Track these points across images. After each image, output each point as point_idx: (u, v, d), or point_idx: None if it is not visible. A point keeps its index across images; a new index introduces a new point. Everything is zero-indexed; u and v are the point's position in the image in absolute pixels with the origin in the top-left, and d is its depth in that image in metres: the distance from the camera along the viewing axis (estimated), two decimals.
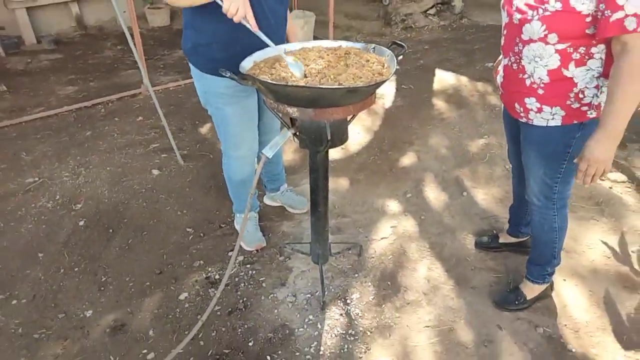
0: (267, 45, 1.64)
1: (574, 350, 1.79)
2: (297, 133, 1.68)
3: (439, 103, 3.74)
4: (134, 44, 2.89)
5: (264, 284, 2.13)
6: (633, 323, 1.88)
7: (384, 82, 1.51)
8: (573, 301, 1.99)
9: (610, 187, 2.65)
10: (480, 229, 2.39)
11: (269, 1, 1.77)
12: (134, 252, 2.34)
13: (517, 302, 1.93)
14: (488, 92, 3.85)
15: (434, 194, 2.69)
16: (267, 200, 2.63)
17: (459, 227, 2.42)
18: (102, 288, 2.14)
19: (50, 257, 2.31)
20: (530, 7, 1.42)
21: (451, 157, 3.02)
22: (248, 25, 1.55)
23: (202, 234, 2.45)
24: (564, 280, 2.09)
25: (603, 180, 1.47)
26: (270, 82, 1.48)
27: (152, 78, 4.13)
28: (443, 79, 4.17)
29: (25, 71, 4.71)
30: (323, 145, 1.68)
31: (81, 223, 2.54)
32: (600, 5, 1.28)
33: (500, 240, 2.25)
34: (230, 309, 2.01)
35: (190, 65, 1.95)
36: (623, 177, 2.73)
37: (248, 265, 2.23)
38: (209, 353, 1.84)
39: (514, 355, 1.77)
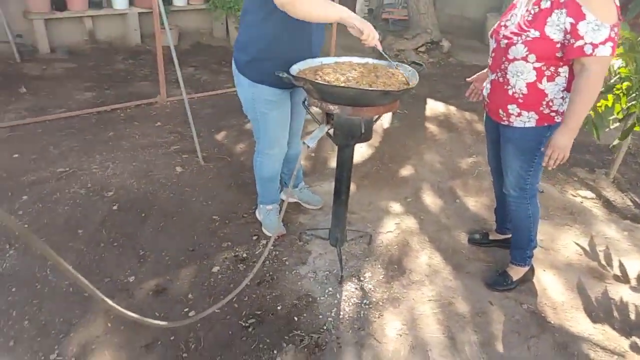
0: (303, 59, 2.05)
1: (552, 322, 2.13)
2: (333, 128, 2.03)
3: (432, 126, 4.18)
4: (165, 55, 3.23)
5: (286, 262, 2.43)
6: (600, 304, 2.25)
7: (410, 89, 1.90)
8: (551, 286, 2.35)
9: (582, 202, 3.08)
10: (472, 229, 2.76)
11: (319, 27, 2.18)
12: (167, 233, 2.61)
13: (505, 284, 2.29)
14: (475, 120, 4.32)
15: (430, 200, 3.06)
16: (283, 196, 2.94)
17: (453, 226, 2.79)
18: (142, 260, 2.39)
19: (89, 234, 2.55)
20: (515, 34, 1.87)
21: (444, 171, 3.42)
22: (378, 49, 1.99)
23: (227, 221, 2.74)
24: (544, 270, 2.45)
25: (561, 165, 1.79)
26: (321, 82, 1.85)
27: (166, 90, 4.45)
28: (434, 107, 4.63)
29: (42, 76, 4.97)
30: (354, 140, 2.03)
31: (114, 207, 2.80)
32: (567, 35, 1.72)
33: (490, 237, 2.62)
34: (259, 281, 2.29)
35: (240, 76, 2.26)
36: (592, 195, 3.17)
37: (271, 248, 2.52)
38: (243, 313, 2.11)
39: (503, 324, 2.11)
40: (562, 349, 2.00)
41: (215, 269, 2.37)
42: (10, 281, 2.20)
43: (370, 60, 2.22)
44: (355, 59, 2.23)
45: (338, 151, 2.15)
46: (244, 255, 2.47)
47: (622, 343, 2.04)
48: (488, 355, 1.96)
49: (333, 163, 3.48)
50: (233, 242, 2.57)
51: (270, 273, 2.35)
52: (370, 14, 7.69)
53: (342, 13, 1.89)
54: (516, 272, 2.31)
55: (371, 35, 1.90)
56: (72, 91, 4.60)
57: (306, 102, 2.26)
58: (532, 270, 2.35)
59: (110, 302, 1.20)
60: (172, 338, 1.97)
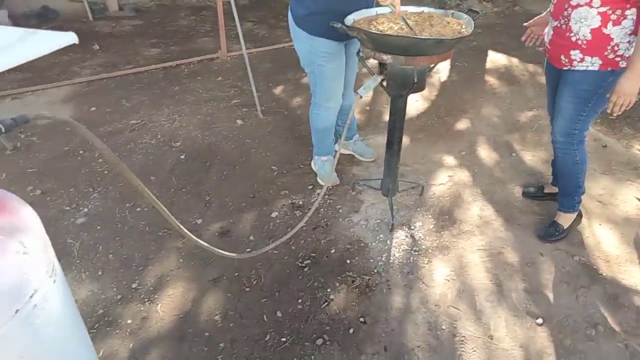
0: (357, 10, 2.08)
1: (604, 274, 2.14)
2: (386, 79, 2.07)
3: (491, 79, 4.06)
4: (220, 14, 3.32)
5: (340, 210, 2.55)
6: None
7: (464, 37, 1.89)
8: (606, 239, 2.33)
9: None
10: (527, 182, 2.74)
11: None
12: (230, 181, 2.80)
13: (557, 233, 2.30)
14: (538, 73, 4.14)
15: (486, 153, 3.04)
16: (338, 148, 3.04)
17: (508, 180, 2.78)
18: (207, 205, 2.60)
19: (161, 180, 2.80)
20: None
21: (502, 125, 3.36)
22: (396, 6, 2.00)
23: (284, 171, 2.89)
24: (600, 224, 2.42)
25: (628, 114, 1.73)
26: (375, 32, 1.88)
27: (226, 46, 4.58)
28: (495, 59, 4.47)
29: (112, 34, 5.26)
30: (407, 90, 2.07)
31: (182, 157, 3.02)
32: None
33: (545, 191, 2.59)
34: (314, 226, 2.44)
35: (297, 30, 2.33)
36: None
37: (326, 196, 2.65)
38: (299, 255, 2.28)
39: (553, 274, 2.14)
40: (612, 300, 2.01)
41: (274, 214, 2.54)
42: (96, 220, 2.48)
43: (425, 9, 2.21)
44: (411, 8, 2.22)
45: (391, 102, 2.20)
46: (300, 202, 2.62)
47: None
48: (535, 302, 2.02)
49: (387, 116, 3.50)
50: (290, 191, 2.72)
51: (325, 219, 2.49)
52: None
53: None
54: (565, 220, 2.31)
55: None
56: (140, 48, 4.85)
57: (360, 53, 2.31)
58: (580, 215, 2.35)
59: (188, 233, 1.38)
60: (236, 274, 2.17)
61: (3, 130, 0.82)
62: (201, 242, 1.52)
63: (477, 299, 2.04)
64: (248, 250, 2.30)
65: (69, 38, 0.77)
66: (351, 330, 1.91)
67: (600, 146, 3.04)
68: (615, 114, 1.89)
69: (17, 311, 0.81)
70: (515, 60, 4.40)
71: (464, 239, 2.36)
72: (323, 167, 2.77)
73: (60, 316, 0.96)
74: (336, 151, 2.93)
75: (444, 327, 1.92)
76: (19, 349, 0.85)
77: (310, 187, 2.75)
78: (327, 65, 2.36)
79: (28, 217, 0.94)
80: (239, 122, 3.44)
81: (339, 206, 2.59)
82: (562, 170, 2.25)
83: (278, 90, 3.96)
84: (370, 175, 2.83)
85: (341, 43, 2.32)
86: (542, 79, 4.00)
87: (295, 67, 4.29)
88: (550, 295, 2.05)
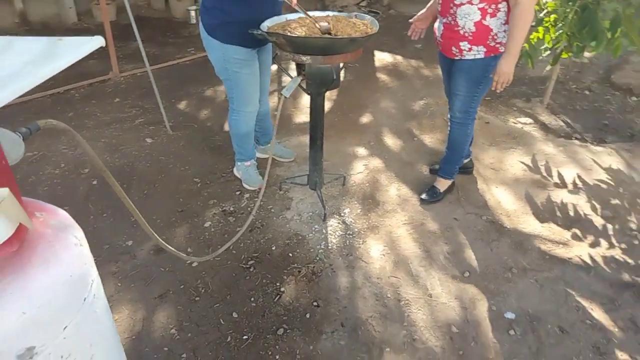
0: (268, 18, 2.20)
1: (508, 227, 2.50)
2: (306, 79, 2.22)
3: (382, 76, 4.43)
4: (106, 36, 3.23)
5: (272, 210, 2.64)
6: (545, 208, 2.64)
7: (373, 34, 2.11)
8: (504, 199, 2.71)
9: (522, 127, 3.46)
10: (431, 161, 3.07)
11: None
12: (153, 199, 2.74)
13: (435, 195, 2.67)
14: (421, 67, 4.61)
15: (391, 141, 3.33)
16: (258, 154, 3.12)
17: (415, 161, 3.09)
18: (134, 225, 2.53)
19: (76, 208, 2.64)
20: None
21: (400, 115, 3.70)
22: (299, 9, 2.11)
23: (208, 182, 2.90)
24: (496, 187, 2.81)
25: (506, 87, 2.10)
26: (294, 35, 2.02)
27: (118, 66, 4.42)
28: (382, 58, 4.87)
29: None
30: (326, 87, 2.24)
31: (94, 182, 2.88)
32: None
33: None
34: (250, 229, 2.50)
35: (209, 38, 2.39)
36: (530, 121, 3.56)
37: (255, 199, 2.72)
38: (242, 257, 2.32)
39: (468, 234, 2.45)
40: (518, 247, 2.37)
41: (207, 224, 2.55)
42: None
43: (330, 13, 2.40)
44: (317, 13, 2.40)
45: (311, 100, 2.35)
46: (231, 209, 2.66)
47: (565, 235, 2.44)
48: (459, 259, 2.29)
49: (297, 119, 3.67)
50: (218, 199, 2.74)
51: (260, 220, 2.56)
52: None
53: None
54: (443, 185, 2.69)
55: None
56: None
57: (275, 57, 2.44)
58: (453, 183, 2.75)
59: (158, 238, 1.37)
60: (181, 287, 2.16)
61: (22, 138, 0.82)
62: (169, 247, 1.52)
63: (411, 266, 2.26)
64: (188, 262, 2.29)
65: (98, 42, 0.78)
66: (307, 315, 2.02)
67: (483, 123, 3.50)
68: (499, 91, 2.24)
69: (84, 299, 0.83)
70: (399, 58, 4.84)
71: (389, 217, 2.59)
72: (247, 171, 2.83)
73: (106, 305, 0.98)
74: (258, 158, 3.04)
75: (389, 295, 2.11)
76: (88, 336, 0.87)
77: (237, 193, 2.79)
78: (242, 71, 2.45)
79: (66, 215, 0.96)
80: (149, 140, 3.36)
81: (270, 206, 2.67)
82: (454, 142, 2.58)
83: (182, 105, 3.93)
84: (292, 174, 2.96)
85: (253, 50, 2.42)
86: (426, 72, 4.48)
87: (194, 82, 4.29)
88: (470, 252, 2.35)
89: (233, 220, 2.58)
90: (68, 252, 0.81)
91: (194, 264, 2.29)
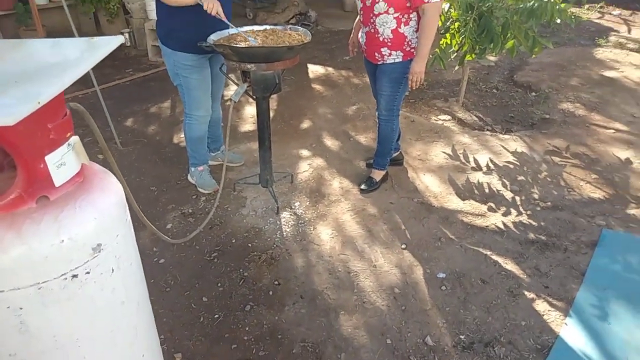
0: (220, 29, 2.47)
1: (435, 206, 2.91)
2: (251, 85, 2.52)
3: (317, 86, 4.81)
4: None
5: (229, 209, 2.89)
6: (465, 188, 3.08)
7: (307, 42, 2.45)
8: (431, 183, 3.13)
9: (442, 123, 3.94)
10: (367, 156, 3.44)
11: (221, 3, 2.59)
12: None
13: (372, 185, 3.03)
14: (350, 76, 5.03)
15: (330, 142, 3.69)
16: (209, 161, 3.35)
17: (353, 158, 3.45)
18: None
19: None
20: None
21: (336, 119, 4.07)
22: (219, 17, 2.37)
23: (164, 189, 3.10)
24: (424, 174, 3.23)
25: (422, 87, 2.45)
26: (239, 46, 2.32)
27: None
28: (315, 70, 5.26)
29: None
30: (269, 92, 2.55)
31: None
32: None
33: None
34: (210, 226, 2.73)
35: (163, 47, 2.65)
36: (449, 117, 4.06)
37: (212, 201, 2.96)
38: (205, 251, 2.55)
39: (403, 214, 2.83)
40: (445, 221, 2.78)
41: (169, 225, 2.75)
42: None
43: (267, 27, 2.73)
44: (255, 27, 2.72)
45: (257, 105, 2.64)
46: (190, 211, 2.88)
47: (482, 208, 2.88)
48: (397, 235, 2.66)
49: (242, 128, 3.94)
50: (176, 204, 2.95)
51: (218, 219, 2.80)
52: None
53: None
54: (378, 175, 3.07)
55: (210, 6, 2.34)
56: None
57: (223, 68, 2.72)
58: (387, 173, 3.13)
59: (150, 224, 1.59)
60: (152, 281, 2.35)
61: None
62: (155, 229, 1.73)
63: (357, 244, 2.60)
64: (156, 259, 2.49)
65: (120, 39, 1.04)
66: (270, 292, 2.29)
67: (409, 121, 3.95)
68: (414, 88, 2.65)
69: (126, 219, 1.15)
70: (330, 69, 5.25)
71: (335, 206, 2.92)
72: (201, 176, 3.06)
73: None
74: (211, 164, 3.27)
75: (339, 269, 2.43)
76: (130, 247, 1.18)
77: (194, 197, 3.02)
78: (191, 76, 2.69)
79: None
80: (100, 157, 3.48)
81: (226, 206, 2.92)
82: (383, 137, 2.96)
83: (129, 122, 4.07)
84: (243, 175, 3.22)
85: (203, 57, 2.67)
86: (355, 81, 4.91)
87: (138, 101, 4.44)
88: (405, 228, 2.72)
89: (193, 221, 2.80)
90: (113, 185, 1.07)
91: (161, 261, 2.49)
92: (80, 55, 0.99)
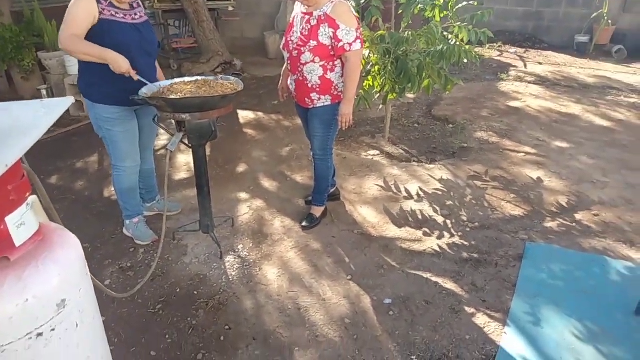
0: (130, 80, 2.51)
1: (375, 235, 3.03)
2: (187, 134, 2.54)
3: (249, 131, 4.89)
4: None
5: (170, 258, 2.83)
6: (400, 216, 3.25)
7: (240, 91, 2.53)
8: (368, 215, 3.27)
9: (372, 158, 4.15)
10: (305, 194, 3.53)
11: (141, 60, 2.61)
12: None
13: (313, 221, 3.13)
14: (280, 119, 5.18)
15: (268, 183, 3.75)
16: (145, 212, 3.27)
17: (291, 197, 3.53)
18: None
19: None
20: (301, 46, 2.67)
21: (271, 161, 4.15)
22: (130, 76, 2.40)
23: (99, 245, 2.97)
24: (361, 207, 3.37)
25: (351, 126, 2.64)
26: (173, 97, 2.36)
27: None
28: (245, 116, 5.36)
29: None
30: (205, 139, 2.58)
31: None
32: (332, 40, 2.60)
33: None
34: (152, 278, 2.64)
35: (85, 99, 2.62)
36: (377, 152, 4.28)
37: (151, 252, 2.88)
38: (149, 304, 2.47)
39: (345, 246, 2.92)
40: (385, 248, 2.90)
41: (107, 282, 2.64)
42: None
43: (199, 78, 2.79)
44: (187, 78, 2.77)
45: (193, 152, 2.66)
46: (129, 264, 2.78)
47: (418, 233, 3.05)
48: (342, 267, 2.73)
49: (177, 177, 3.90)
50: (113, 258, 2.84)
51: (160, 269, 2.73)
52: (159, 46, 8.03)
53: (106, 54, 2.35)
54: (318, 211, 3.17)
55: (116, 68, 2.36)
56: None
57: (156, 119, 2.72)
58: (326, 209, 3.24)
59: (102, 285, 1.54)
60: None
61: None
62: (97, 282, 1.67)
63: (304, 280, 2.64)
64: None
65: (70, 100, 1.04)
66: (222, 338, 2.25)
67: (342, 158, 4.12)
68: (344, 128, 2.81)
69: (86, 273, 1.20)
70: (260, 114, 5.38)
71: (278, 245, 2.95)
72: (138, 228, 2.98)
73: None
74: (147, 215, 3.19)
75: (289, 307, 2.44)
76: (91, 301, 1.20)
77: (131, 250, 2.92)
78: (115, 129, 2.67)
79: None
80: None
81: (167, 255, 2.85)
82: (319, 175, 3.08)
83: (54, 180, 3.89)
84: (181, 224, 3.17)
85: (128, 109, 2.65)
86: (286, 123, 5.06)
87: (61, 157, 4.27)
88: (349, 260, 2.80)
89: (132, 274, 2.70)
90: (71, 240, 1.06)
91: (102, 319, 2.36)
92: (32, 117, 1.00)
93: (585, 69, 6.88)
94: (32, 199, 1.01)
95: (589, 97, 5.68)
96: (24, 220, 0.97)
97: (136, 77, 2.44)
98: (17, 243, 0.96)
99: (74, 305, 1.00)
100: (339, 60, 2.73)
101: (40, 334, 0.92)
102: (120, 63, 2.37)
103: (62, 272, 0.99)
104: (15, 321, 0.88)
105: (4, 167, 0.80)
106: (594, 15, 7.57)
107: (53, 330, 0.94)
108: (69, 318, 0.99)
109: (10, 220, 0.93)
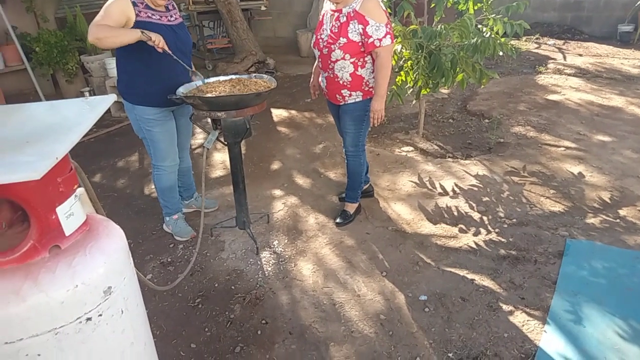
0: (183, 83, 2.57)
1: (409, 232, 3.02)
2: (222, 132, 2.60)
3: (282, 129, 4.95)
4: None
5: (208, 254, 2.90)
6: (435, 212, 3.22)
7: (273, 88, 2.57)
8: (402, 211, 3.26)
9: (406, 154, 4.13)
10: (338, 191, 3.55)
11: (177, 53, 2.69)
12: None
13: (348, 217, 3.13)
14: (313, 117, 5.21)
15: (302, 180, 3.79)
16: (184, 209, 3.36)
17: (325, 194, 3.55)
18: None
19: None
20: (331, 43, 2.68)
21: (305, 158, 4.19)
22: (167, 52, 2.45)
23: (140, 241, 3.08)
24: (395, 203, 3.36)
25: (383, 122, 2.62)
26: (208, 96, 2.42)
27: None
28: (279, 114, 5.42)
29: None
30: (240, 137, 2.64)
31: None
32: (362, 37, 2.60)
33: None
34: (191, 273, 2.73)
35: (125, 101, 2.72)
36: (411, 148, 4.25)
37: (190, 247, 2.97)
38: (189, 298, 2.55)
39: (380, 243, 2.92)
40: (420, 245, 2.89)
41: (149, 276, 2.74)
42: None
43: (233, 76, 2.85)
44: (222, 77, 2.83)
45: (229, 150, 2.72)
46: (169, 259, 2.87)
47: (453, 230, 3.02)
48: (376, 264, 2.74)
49: (213, 175, 3.99)
50: (154, 254, 2.94)
51: (198, 265, 2.80)
52: (194, 47, 8.22)
53: (136, 33, 2.39)
54: (351, 208, 3.17)
55: (157, 41, 2.42)
56: None
57: (192, 118, 2.80)
58: (360, 205, 3.24)
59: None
60: None
61: None
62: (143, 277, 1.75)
63: (339, 276, 2.66)
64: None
65: (113, 97, 1.11)
66: (259, 332, 2.30)
67: (375, 155, 4.12)
68: (376, 125, 2.81)
69: (130, 262, 1.23)
70: (293, 112, 5.43)
71: (313, 241, 2.98)
72: (177, 224, 3.07)
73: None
74: (184, 212, 3.28)
75: (324, 302, 2.47)
76: (135, 289, 1.27)
77: (171, 245, 3.01)
78: (154, 129, 2.76)
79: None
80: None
81: (205, 251, 2.93)
82: (352, 171, 3.09)
83: (97, 178, 4.05)
84: (219, 220, 3.25)
85: (166, 109, 2.74)
86: (319, 121, 5.09)
87: (104, 156, 4.44)
88: (383, 256, 2.81)
89: (172, 269, 2.79)
90: (116, 231, 1.12)
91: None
92: (78, 114, 1.06)
93: (629, 60, 6.59)
94: (80, 191, 1.08)
95: (634, 88, 5.45)
96: (73, 211, 1.04)
97: (169, 51, 2.49)
98: (67, 232, 1.03)
99: (119, 293, 1.07)
100: (369, 57, 2.73)
101: (89, 319, 0.99)
102: (159, 37, 2.43)
103: (108, 260, 1.05)
104: (67, 306, 0.94)
105: (54, 160, 0.86)
106: (638, 3, 7.24)
107: (100, 315, 1.01)
108: (115, 304, 1.06)
109: (61, 210, 1.00)
